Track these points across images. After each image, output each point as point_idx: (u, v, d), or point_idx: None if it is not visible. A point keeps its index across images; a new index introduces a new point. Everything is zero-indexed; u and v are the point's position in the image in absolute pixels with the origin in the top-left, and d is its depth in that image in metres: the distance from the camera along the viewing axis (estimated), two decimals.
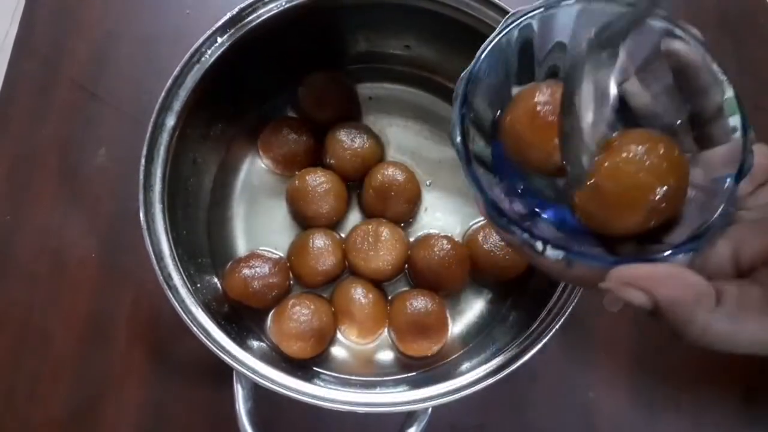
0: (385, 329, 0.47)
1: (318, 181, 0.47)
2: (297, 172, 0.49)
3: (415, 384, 0.38)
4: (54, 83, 0.54)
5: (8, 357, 0.48)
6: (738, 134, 0.23)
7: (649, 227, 0.23)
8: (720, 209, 0.22)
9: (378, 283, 0.48)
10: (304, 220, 0.49)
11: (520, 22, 0.25)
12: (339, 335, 0.47)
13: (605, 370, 0.48)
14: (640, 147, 0.23)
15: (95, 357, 0.48)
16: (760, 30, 0.56)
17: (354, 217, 0.50)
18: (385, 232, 0.46)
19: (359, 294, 0.46)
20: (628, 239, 0.24)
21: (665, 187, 0.22)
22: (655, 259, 0.22)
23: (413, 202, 0.49)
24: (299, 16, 0.43)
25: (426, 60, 0.51)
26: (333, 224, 0.49)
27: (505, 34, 0.25)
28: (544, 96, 0.25)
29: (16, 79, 0.54)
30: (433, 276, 0.46)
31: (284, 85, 0.51)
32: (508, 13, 0.41)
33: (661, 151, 0.23)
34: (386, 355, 0.47)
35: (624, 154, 0.23)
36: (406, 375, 0.46)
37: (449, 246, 0.46)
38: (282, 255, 0.49)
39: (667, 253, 0.22)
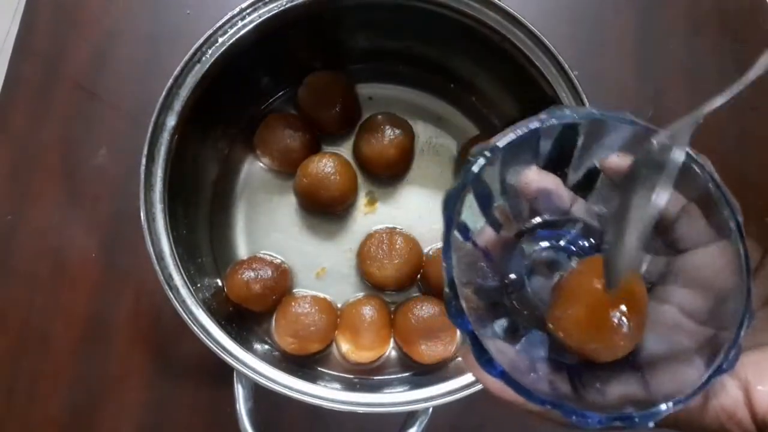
0: (385, 353, 0.47)
1: (330, 165, 0.47)
2: (302, 163, 0.48)
3: (415, 384, 0.38)
4: (54, 83, 0.54)
5: (8, 357, 0.48)
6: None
7: (620, 351, 0.23)
8: (728, 351, 0.21)
9: (391, 291, 0.48)
10: (320, 207, 0.49)
11: (567, 116, 0.24)
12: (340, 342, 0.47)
13: None
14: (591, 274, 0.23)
15: (95, 357, 0.48)
16: (760, 30, 0.56)
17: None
18: (399, 240, 0.46)
19: (368, 314, 0.45)
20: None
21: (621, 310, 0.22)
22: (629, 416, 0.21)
23: (405, 151, 0.49)
24: (299, 16, 0.43)
25: (426, 60, 0.51)
26: (349, 204, 0.49)
27: (545, 122, 0.23)
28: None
29: (17, 79, 0.54)
30: None
31: (284, 85, 0.52)
32: (507, 13, 0.41)
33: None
34: (387, 356, 0.47)
35: (578, 281, 0.23)
36: (406, 375, 0.46)
37: None
38: (283, 259, 0.49)
39: (663, 407, 0.20)
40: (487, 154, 0.23)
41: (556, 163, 0.25)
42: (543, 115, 0.23)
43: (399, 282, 0.46)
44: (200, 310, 0.39)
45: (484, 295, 0.25)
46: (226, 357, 0.38)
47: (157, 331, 0.49)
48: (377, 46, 0.51)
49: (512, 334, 0.25)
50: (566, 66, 0.41)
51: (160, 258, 0.39)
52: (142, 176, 0.40)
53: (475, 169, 0.23)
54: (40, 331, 0.49)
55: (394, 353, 0.48)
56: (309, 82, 0.50)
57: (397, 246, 0.46)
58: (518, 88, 0.47)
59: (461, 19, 0.43)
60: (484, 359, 0.22)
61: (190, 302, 0.39)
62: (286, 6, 0.42)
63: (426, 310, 0.45)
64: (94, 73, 0.54)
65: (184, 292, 0.39)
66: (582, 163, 0.25)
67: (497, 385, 0.22)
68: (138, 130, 0.41)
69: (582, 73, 0.42)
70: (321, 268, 0.49)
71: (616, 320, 0.22)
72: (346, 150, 0.51)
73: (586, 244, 0.27)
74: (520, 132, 0.23)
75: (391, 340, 0.47)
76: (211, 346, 0.38)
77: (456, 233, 0.23)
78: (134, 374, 0.48)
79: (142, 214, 0.39)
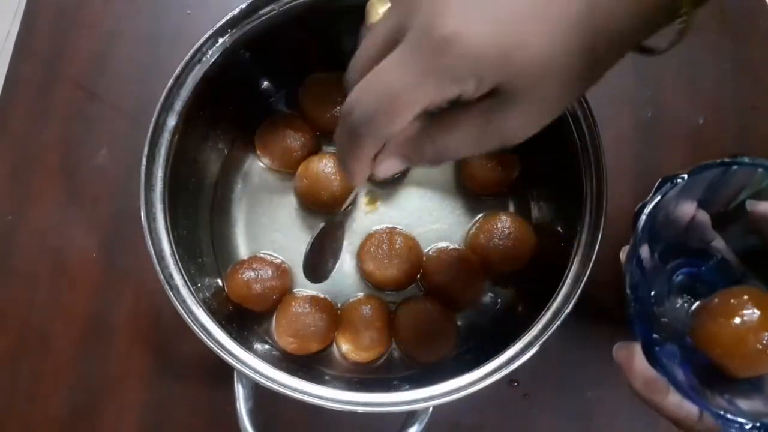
0: (385, 353, 0.47)
1: (330, 165, 0.47)
2: (302, 163, 0.48)
3: (415, 383, 0.38)
4: (55, 83, 0.54)
5: (8, 357, 0.48)
6: None
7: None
8: None
9: (391, 291, 0.48)
10: (320, 207, 0.49)
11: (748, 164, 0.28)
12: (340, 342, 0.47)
13: (604, 369, 0.48)
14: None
15: (95, 357, 0.48)
16: (759, 30, 0.56)
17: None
18: (399, 240, 0.46)
19: (368, 313, 0.45)
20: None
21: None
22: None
23: None
24: (300, 16, 0.43)
25: None
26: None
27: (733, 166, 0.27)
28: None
29: (17, 80, 0.54)
30: (450, 293, 0.46)
31: (284, 85, 0.52)
32: None
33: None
34: (387, 355, 0.47)
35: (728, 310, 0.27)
36: (406, 374, 0.46)
37: (464, 262, 0.46)
38: (283, 259, 0.49)
39: None
40: (678, 181, 0.27)
41: (706, 204, 0.30)
42: (727, 159, 0.27)
43: (399, 282, 0.46)
44: (201, 309, 0.39)
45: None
46: (226, 357, 0.38)
47: (157, 331, 0.49)
48: None
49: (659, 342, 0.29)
50: None
51: (161, 258, 0.39)
52: (143, 176, 0.40)
53: (662, 193, 0.27)
54: (40, 331, 0.49)
55: (394, 353, 0.48)
56: (309, 83, 0.50)
57: (397, 246, 0.46)
58: None
59: None
60: (654, 352, 0.26)
61: (191, 302, 0.39)
62: (286, 6, 0.42)
63: (426, 309, 0.45)
64: (94, 73, 0.54)
65: (184, 291, 0.39)
66: (734, 206, 0.30)
67: (643, 381, 0.27)
68: (138, 130, 0.41)
69: None
70: None
71: (765, 342, 0.26)
72: None
73: (720, 275, 0.31)
74: (706, 170, 0.27)
75: (391, 340, 0.47)
76: (212, 345, 0.38)
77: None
78: (134, 374, 0.48)
79: (142, 215, 0.39)
